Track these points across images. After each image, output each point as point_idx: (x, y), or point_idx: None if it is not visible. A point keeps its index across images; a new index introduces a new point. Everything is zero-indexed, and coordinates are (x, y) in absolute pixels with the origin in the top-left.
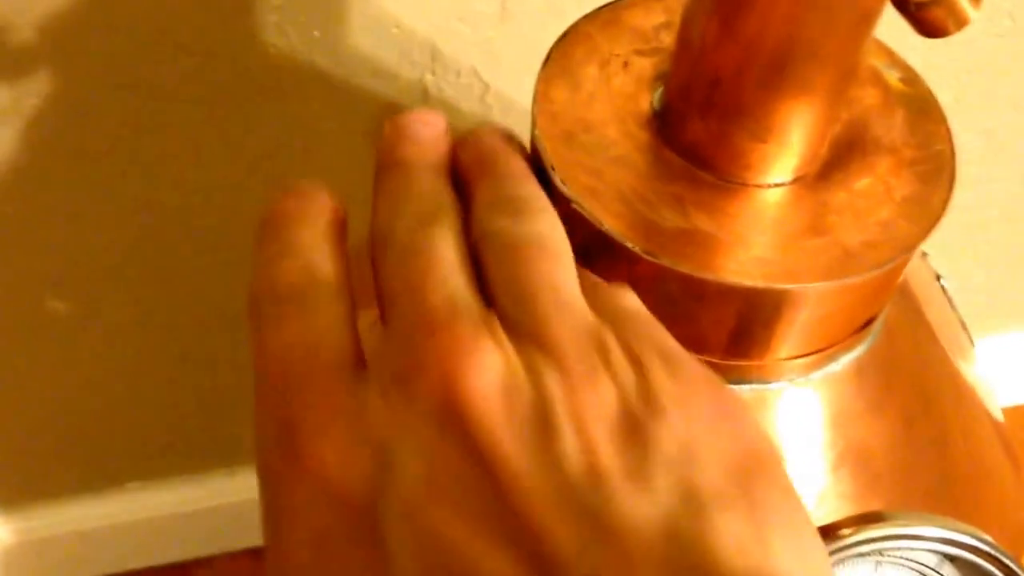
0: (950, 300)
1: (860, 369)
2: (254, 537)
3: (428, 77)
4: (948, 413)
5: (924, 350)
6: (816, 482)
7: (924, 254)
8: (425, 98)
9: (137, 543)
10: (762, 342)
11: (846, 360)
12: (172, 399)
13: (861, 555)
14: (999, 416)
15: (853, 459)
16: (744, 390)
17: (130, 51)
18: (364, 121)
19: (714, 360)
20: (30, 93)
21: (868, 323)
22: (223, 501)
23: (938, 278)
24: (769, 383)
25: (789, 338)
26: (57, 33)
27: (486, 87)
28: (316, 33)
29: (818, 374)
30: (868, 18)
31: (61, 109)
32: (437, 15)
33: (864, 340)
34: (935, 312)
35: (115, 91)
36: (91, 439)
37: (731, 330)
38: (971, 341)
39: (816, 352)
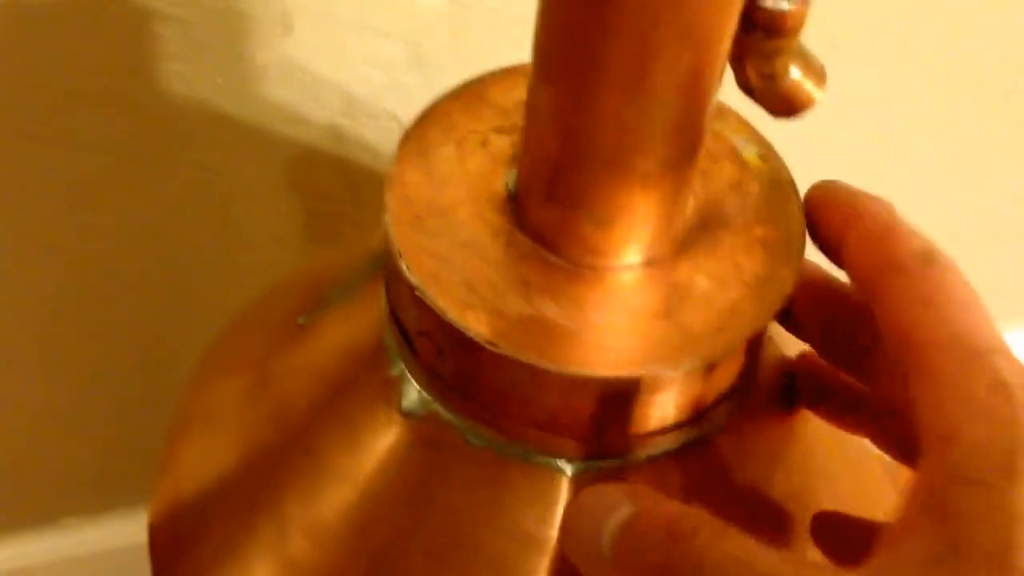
0: None
1: (719, 442)
2: None
3: (343, 121)
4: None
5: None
6: None
7: None
8: (340, 142)
9: None
10: (616, 424)
11: (703, 434)
12: (103, 435)
13: None
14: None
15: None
16: (607, 465)
17: (31, 101)
18: (281, 165)
19: (577, 441)
20: None
21: (723, 398)
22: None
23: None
24: (631, 456)
25: (641, 419)
26: None
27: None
28: (219, 80)
29: (676, 448)
30: (697, 112)
31: None
32: (345, 61)
33: (722, 415)
34: None
35: (18, 140)
36: (23, 476)
37: (586, 414)
38: None
39: (672, 430)
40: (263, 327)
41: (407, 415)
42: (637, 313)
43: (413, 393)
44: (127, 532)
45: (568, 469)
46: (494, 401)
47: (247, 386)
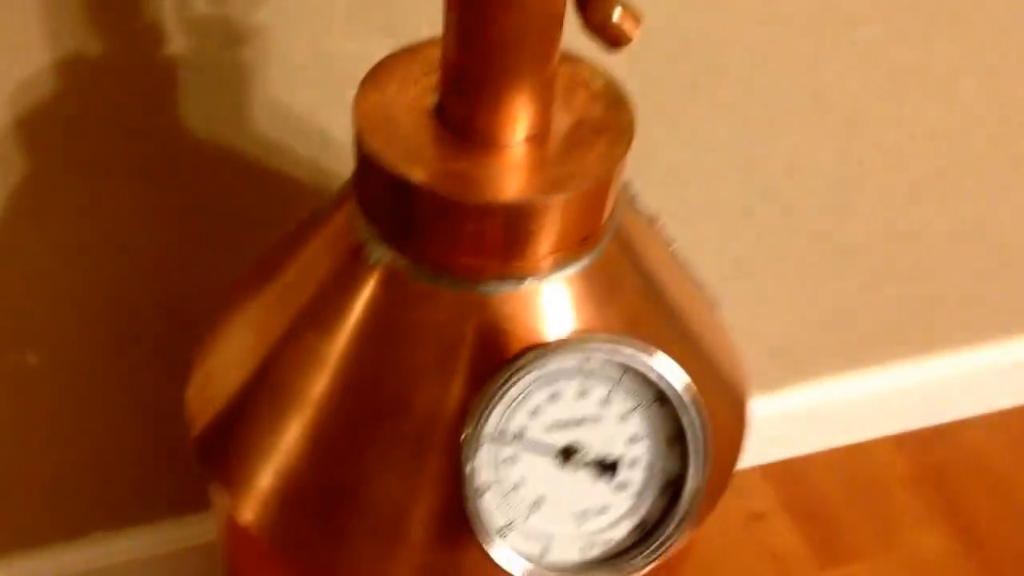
0: (682, 262)
1: (598, 267)
2: None
3: (321, 155)
4: (675, 306)
5: (655, 265)
6: None
7: (657, 219)
8: (321, 174)
9: None
10: (521, 245)
11: (586, 261)
12: (134, 450)
13: (566, 368)
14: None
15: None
16: (522, 285)
17: (81, 134)
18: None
19: (494, 262)
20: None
21: (596, 232)
22: (178, 547)
23: (670, 244)
24: (535, 278)
25: (538, 242)
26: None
27: None
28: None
29: (567, 271)
30: (553, 23)
31: (27, 188)
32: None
33: (597, 245)
34: (670, 268)
35: (72, 168)
36: (56, 490)
37: (500, 239)
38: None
39: (560, 251)
40: (267, 255)
41: (371, 266)
42: (525, 167)
43: (375, 247)
44: (152, 543)
45: (485, 290)
46: (428, 241)
47: (257, 283)
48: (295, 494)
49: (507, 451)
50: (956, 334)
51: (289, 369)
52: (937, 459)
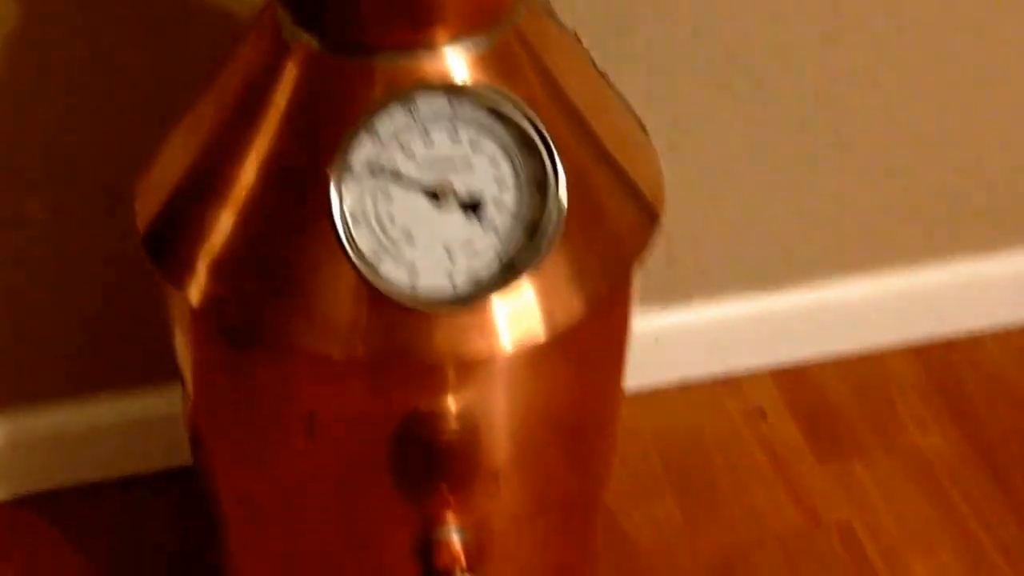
0: (607, 82)
1: (495, 54)
2: None
3: None
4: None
5: (562, 71)
6: None
7: (580, 39)
8: None
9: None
10: (418, 16)
11: (482, 43)
12: (141, 309)
13: (438, 111)
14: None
15: None
16: (421, 55)
17: None
18: None
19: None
20: None
21: (491, 15)
22: None
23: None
24: (433, 50)
25: (436, 14)
26: None
27: None
28: None
29: (464, 45)
30: None
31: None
32: None
33: (494, 28)
34: (582, 78)
35: None
36: (62, 347)
37: (399, 8)
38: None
39: (457, 28)
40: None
41: (288, 49)
42: None
43: (291, 31)
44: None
45: (388, 60)
46: (337, 19)
47: (194, 97)
48: (229, 267)
49: (381, 185)
50: (972, 242)
51: (221, 158)
52: (949, 369)
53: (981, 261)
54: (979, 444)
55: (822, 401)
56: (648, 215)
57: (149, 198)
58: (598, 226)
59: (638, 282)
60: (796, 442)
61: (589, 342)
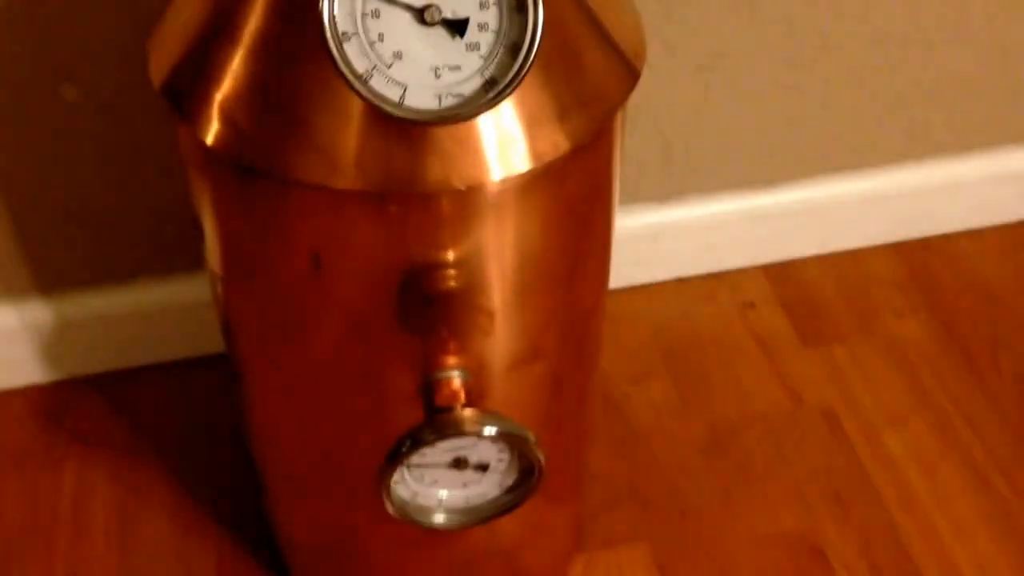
0: None
1: None
2: None
3: None
4: None
5: None
6: None
7: None
8: None
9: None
10: None
11: None
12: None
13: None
14: None
15: None
16: None
17: None
18: None
19: None
20: None
21: None
22: None
23: None
24: None
25: None
26: None
27: None
28: None
29: None
30: None
31: None
32: None
33: None
34: None
35: None
36: (107, 230)
37: None
38: None
39: None
40: None
41: None
42: None
43: None
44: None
45: None
46: None
47: None
48: (237, 104)
49: (370, 5)
50: (948, 145)
51: (230, 7)
52: (925, 265)
53: (956, 164)
54: (950, 331)
55: (808, 294)
56: (628, 70)
57: (161, 51)
58: (579, 73)
59: (621, 132)
60: (783, 331)
61: (575, 184)
